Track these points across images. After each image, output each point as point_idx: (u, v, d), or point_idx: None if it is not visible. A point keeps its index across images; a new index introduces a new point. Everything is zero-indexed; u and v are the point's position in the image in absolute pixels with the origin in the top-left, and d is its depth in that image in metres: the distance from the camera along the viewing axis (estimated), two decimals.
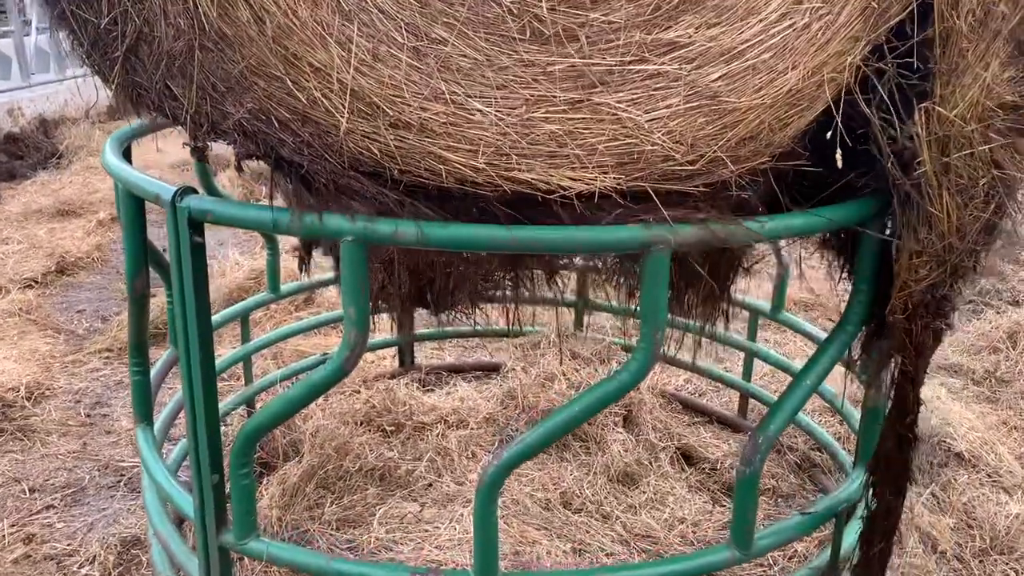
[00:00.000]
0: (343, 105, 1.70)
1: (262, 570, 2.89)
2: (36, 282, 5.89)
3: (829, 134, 2.04)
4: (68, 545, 3.20)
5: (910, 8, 1.74)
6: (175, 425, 3.17)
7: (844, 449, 3.47)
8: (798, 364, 2.32)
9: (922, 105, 1.77)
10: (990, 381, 4.63)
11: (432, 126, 1.72)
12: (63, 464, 3.79)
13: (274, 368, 4.10)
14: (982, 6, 1.72)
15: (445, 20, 1.66)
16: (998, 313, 5.45)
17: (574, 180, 1.76)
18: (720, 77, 1.70)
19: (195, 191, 1.98)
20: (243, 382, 4.01)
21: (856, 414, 2.74)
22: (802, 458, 3.76)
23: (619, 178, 1.76)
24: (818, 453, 3.75)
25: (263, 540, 2.14)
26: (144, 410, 2.70)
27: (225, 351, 4.01)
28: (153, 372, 2.83)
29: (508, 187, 1.77)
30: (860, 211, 1.95)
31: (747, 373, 3.94)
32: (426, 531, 3.21)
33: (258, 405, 4.03)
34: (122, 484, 3.64)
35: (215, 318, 3.30)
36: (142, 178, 2.13)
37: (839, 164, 2.19)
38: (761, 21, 1.68)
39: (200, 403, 2.03)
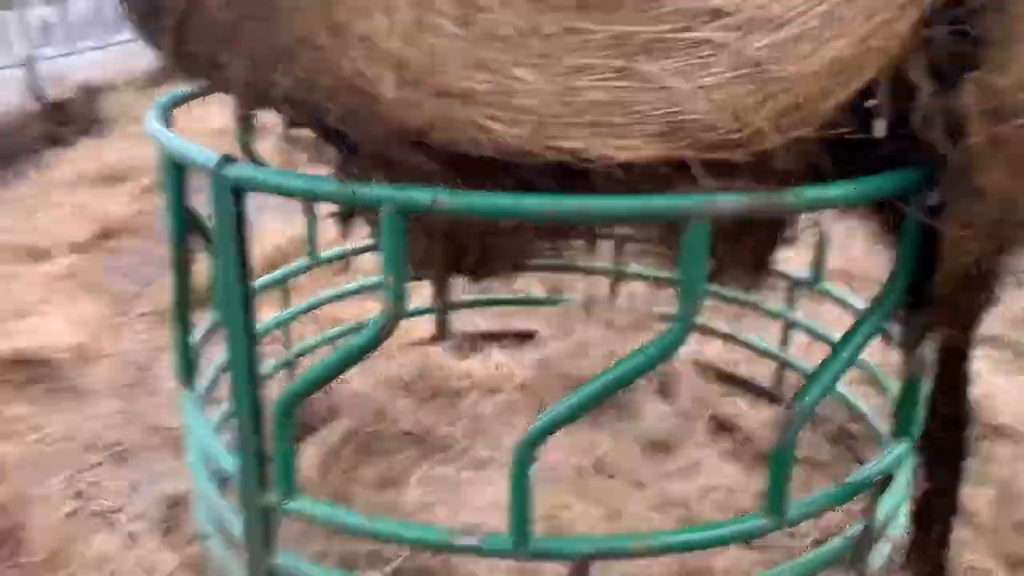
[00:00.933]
0: (388, 74, 1.69)
1: (303, 529, 2.96)
2: (82, 246, 6.00)
3: (872, 102, 1.98)
4: (116, 502, 3.30)
5: None
6: (218, 388, 3.23)
7: (881, 420, 3.44)
8: (836, 335, 2.29)
9: (973, 74, 1.69)
10: None
11: (476, 95, 1.70)
12: (111, 424, 3.89)
13: (313, 333, 4.15)
14: None
15: None
16: None
17: (618, 150, 1.72)
18: (766, 45, 1.64)
19: (237, 159, 2.01)
20: (283, 347, 4.08)
21: (895, 385, 2.71)
22: (838, 429, 3.72)
23: (662, 148, 1.71)
24: (855, 424, 3.70)
25: (304, 500, 2.18)
26: (188, 374, 2.74)
27: (265, 316, 4.07)
28: (196, 336, 2.88)
29: (551, 156, 1.74)
30: (903, 182, 1.89)
31: (784, 343, 3.90)
32: (462, 494, 3.26)
33: (297, 370, 4.10)
34: (167, 445, 3.74)
35: (255, 284, 3.34)
36: (185, 146, 2.13)
37: (881, 133, 2.13)
38: None
39: (243, 367, 2.06)
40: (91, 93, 10.14)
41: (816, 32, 1.66)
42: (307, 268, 3.91)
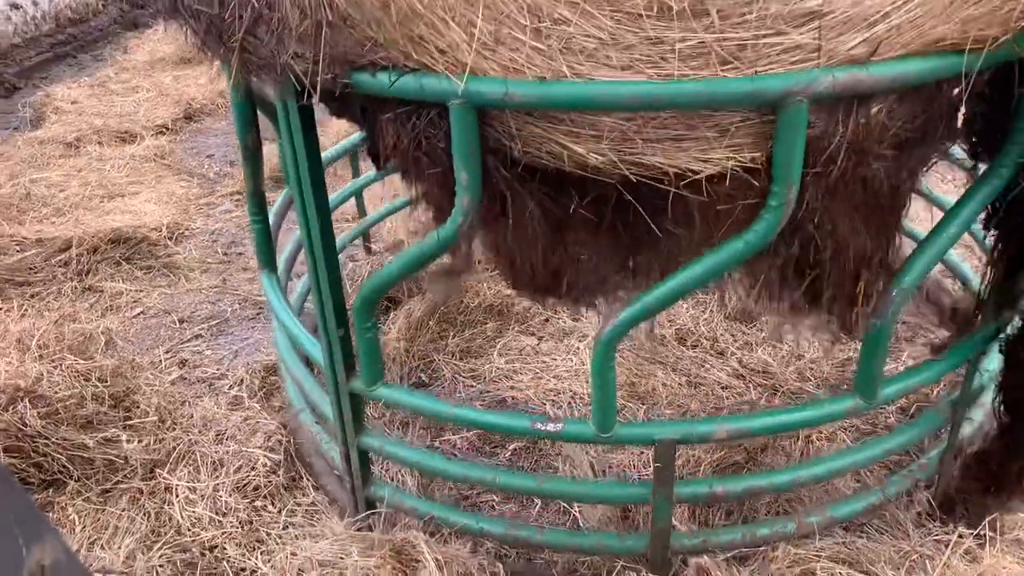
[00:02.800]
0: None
1: (390, 412, 3.08)
2: (167, 128, 6.04)
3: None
4: (217, 369, 3.45)
5: None
6: (298, 263, 3.31)
7: (979, 279, 3.28)
8: (950, 200, 2.12)
9: None
10: None
11: (554, 111, 1.64)
12: (207, 298, 4.04)
13: (387, 202, 4.18)
14: None
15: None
16: None
17: (704, 162, 1.66)
18: (861, 42, 1.53)
19: None
20: (357, 216, 4.11)
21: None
22: (932, 285, 3.58)
23: (754, 152, 1.64)
24: (949, 280, 3.47)
25: (391, 386, 2.15)
26: (267, 256, 2.72)
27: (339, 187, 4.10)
28: (272, 214, 2.82)
29: (632, 173, 1.68)
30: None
31: None
32: (544, 362, 3.29)
33: (373, 238, 4.16)
34: (261, 316, 3.84)
35: (325, 154, 3.30)
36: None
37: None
38: None
39: (321, 258, 1.99)
40: None
41: (918, 23, 1.56)
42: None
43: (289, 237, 3.23)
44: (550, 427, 1.96)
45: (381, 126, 1.83)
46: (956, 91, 1.71)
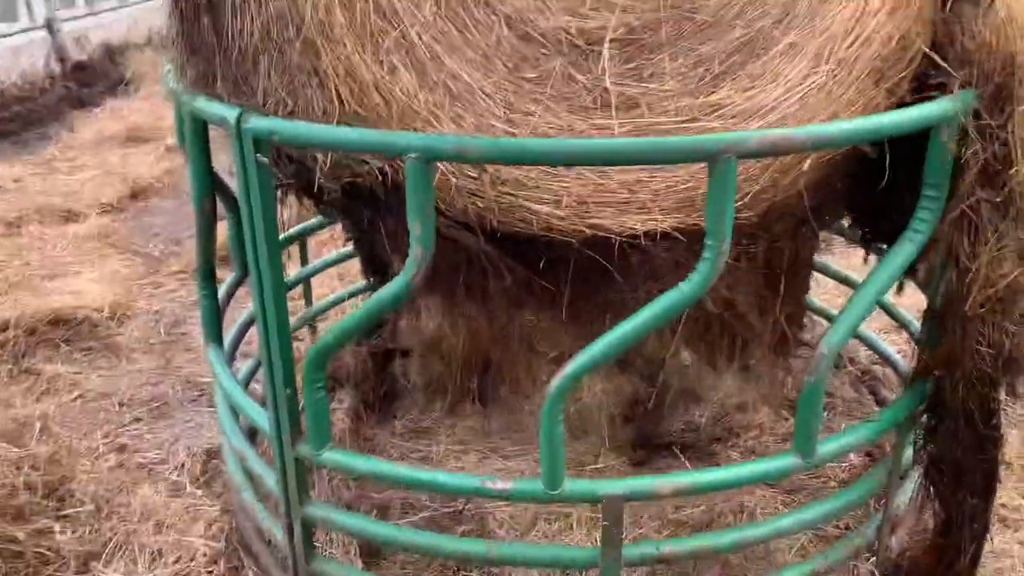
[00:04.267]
0: (455, 167, 2.05)
1: (338, 481, 3.03)
2: (112, 207, 6.06)
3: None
4: (157, 455, 3.38)
5: (911, 70, 2.04)
6: (244, 344, 3.30)
7: (906, 362, 3.41)
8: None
9: (1020, 109, 1.85)
10: None
11: (525, 181, 2.04)
12: (148, 380, 3.98)
13: (334, 290, 4.20)
14: None
15: (534, 97, 2.02)
16: None
17: (643, 223, 2.05)
18: (757, 129, 1.99)
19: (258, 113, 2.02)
20: (303, 303, 4.11)
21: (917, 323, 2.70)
22: (863, 371, 3.70)
23: (679, 218, 2.05)
24: (880, 367, 3.67)
25: (338, 451, 2.19)
26: (214, 331, 2.75)
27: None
28: (221, 290, 2.87)
29: (588, 232, 2.06)
30: (936, 110, 1.88)
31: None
32: (491, 443, 3.32)
33: (320, 325, 4.14)
34: (204, 398, 3.80)
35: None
36: (206, 101, 2.11)
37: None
38: (787, 82, 2.01)
39: (272, 318, 2.05)
40: (113, 53, 10.21)
41: (797, 115, 2.02)
42: (326, 225, 3.91)
43: (235, 320, 3.22)
44: (499, 485, 2.03)
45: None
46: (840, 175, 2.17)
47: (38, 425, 3.46)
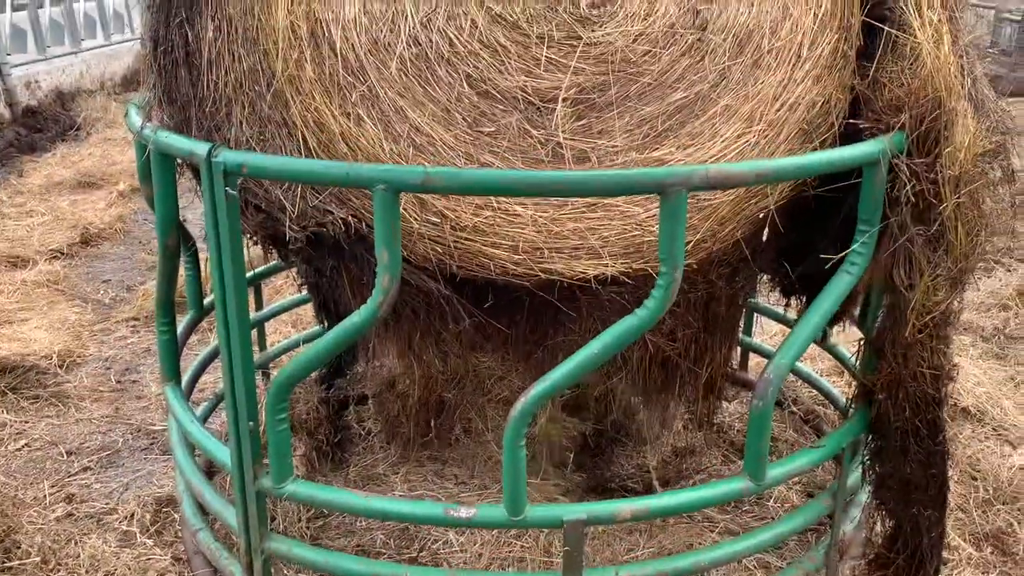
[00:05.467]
0: (417, 215, 2.23)
1: (295, 517, 3.06)
2: (62, 253, 6.09)
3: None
4: (106, 504, 3.39)
5: (836, 128, 2.29)
6: (198, 389, 3.32)
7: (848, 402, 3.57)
8: None
9: (947, 149, 2.09)
10: (999, 338, 4.71)
11: (483, 227, 2.23)
12: (97, 428, 3.98)
13: (292, 334, 4.24)
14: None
15: (491, 149, 2.21)
16: (1008, 271, 5.51)
17: (593, 267, 2.24)
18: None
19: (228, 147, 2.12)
20: (257, 348, 4.15)
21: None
22: (806, 411, 3.87)
23: (626, 263, 2.27)
24: (822, 408, 3.85)
25: (300, 483, 2.28)
26: (173, 369, 2.84)
27: None
28: (179, 329, 2.94)
29: (542, 275, 2.24)
30: (868, 150, 2.08)
31: (747, 328, 3.95)
32: (446, 489, 3.37)
33: (273, 372, 4.17)
34: (155, 446, 3.83)
35: None
36: (174, 137, 2.24)
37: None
38: (723, 141, 2.24)
39: (237, 351, 2.17)
40: (64, 99, 10.20)
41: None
42: (280, 269, 3.97)
43: (188, 363, 3.24)
44: (463, 513, 2.13)
45: None
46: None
47: None
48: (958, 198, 2.12)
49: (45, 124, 9.44)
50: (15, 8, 10.43)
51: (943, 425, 2.31)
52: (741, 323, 2.90)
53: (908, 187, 2.09)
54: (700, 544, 2.96)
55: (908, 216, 2.12)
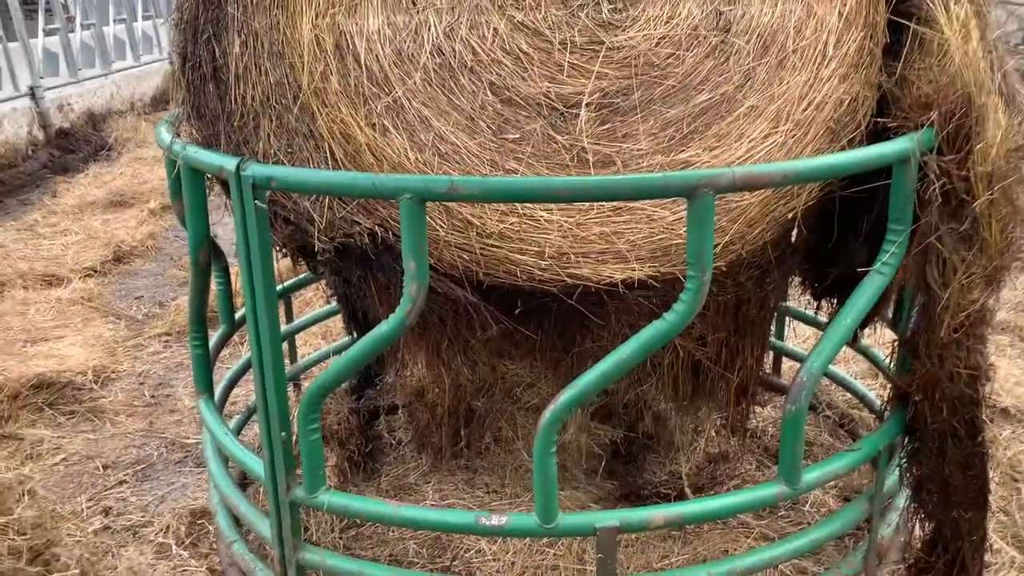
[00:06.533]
0: (444, 222, 2.24)
1: (328, 527, 3.07)
2: (95, 271, 6.18)
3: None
4: (142, 517, 3.43)
5: (864, 127, 2.26)
6: (229, 403, 3.35)
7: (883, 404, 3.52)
8: None
9: (979, 146, 2.05)
10: None
11: (509, 233, 2.23)
12: (132, 442, 4.03)
13: (322, 346, 4.27)
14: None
15: (516, 156, 2.21)
16: None
17: (620, 272, 2.24)
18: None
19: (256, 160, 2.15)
20: (288, 361, 4.18)
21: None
22: (841, 415, 3.82)
23: (654, 267, 2.25)
24: (857, 411, 3.79)
25: (332, 493, 2.29)
26: (206, 382, 2.88)
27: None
28: (211, 343, 2.98)
29: (569, 281, 2.24)
30: (897, 148, 2.06)
31: (779, 332, 3.92)
32: (477, 497, 3.36)
33: (304, 383, 4.21)
34: (189, 459, 3.87)
35: None
36: (203, 152, 2.28)
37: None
38: (750, 142, 2.22)
39: (269, 363, 2.19)
40: (95, 120, 10.38)
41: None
42: (310, 281, 4.01)
43: (220, 377, 3.28)
44: (494, 521, 2.13)
45: None
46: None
47: (22, 490, 3.48)
48: (991, 194, 2.08)
49: (77, 145, 9.60)
50: (47, 33, 10.66)
51: (982, 426, 2.26)
52: (773, 327, 2.86)
53: (937, 185, 2.06)
54: (735, 550, 2.93)
55: (940, 214, 2.08)
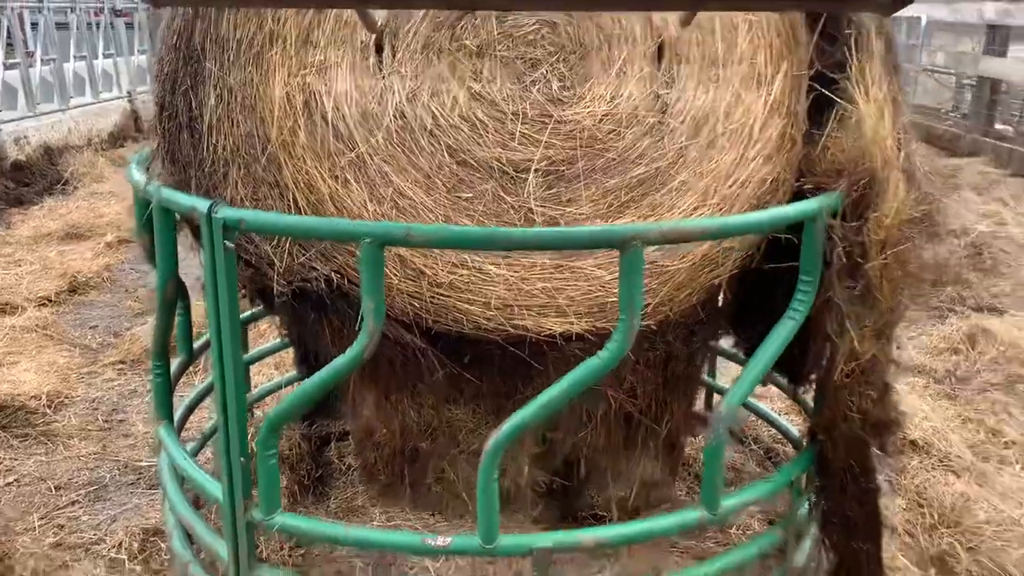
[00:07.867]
0: (398, 270, 2.36)
1: (278, 546, 3.10)
2: (50, 300, 6.07)
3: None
4: (95, 535, 3.41)
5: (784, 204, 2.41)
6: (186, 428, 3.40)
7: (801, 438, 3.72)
8: None
9: (874, 215, 2.22)
10: (950, 380, 4.89)
11: (458, 284, 2.36)
12: (85, 465, 4.01)
13: (276, 376, 4.35)
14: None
15: (468, 213, 2.36)
16: (960, 318, 5.72)
17: (559, 324, 2.40)
18: (656, 249, 2.42)
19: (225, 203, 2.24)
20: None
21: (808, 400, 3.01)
22: (767, 449, 4.02)
23: (590, 321, 2.41)
24: (781, 445, 3.99)
25: (287, 515, 2.34)
26: (166, 409, 2.88)
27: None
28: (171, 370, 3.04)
29: (512, 331, 2.37)
30: (809, 206, 2.22)
31: (711, 371, 4.07)
32: (423, 520, 3.47)
33: (257, 412, 4.26)
34: (141, 482, 3.86)
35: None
36: (178, 194, 2.34)
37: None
38: (681, 212, 2.39)
39: (231, 388, 2.24)
40: (51, 154, 10.27)
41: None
42: (265, 314, 4.08)
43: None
44: (439, 542, 2.21)
45: None
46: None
47: None
48: (884, 259, 2.24)
49: (33, 178, 9.45)
50: (7, 67, 10.56)
51: (873, 465, 2.41)
52: (704, 372, 3.03)
53: (841, 247, 2.21)
54: (664, 568, 3.08)
55: (839, 273, 2.24)
